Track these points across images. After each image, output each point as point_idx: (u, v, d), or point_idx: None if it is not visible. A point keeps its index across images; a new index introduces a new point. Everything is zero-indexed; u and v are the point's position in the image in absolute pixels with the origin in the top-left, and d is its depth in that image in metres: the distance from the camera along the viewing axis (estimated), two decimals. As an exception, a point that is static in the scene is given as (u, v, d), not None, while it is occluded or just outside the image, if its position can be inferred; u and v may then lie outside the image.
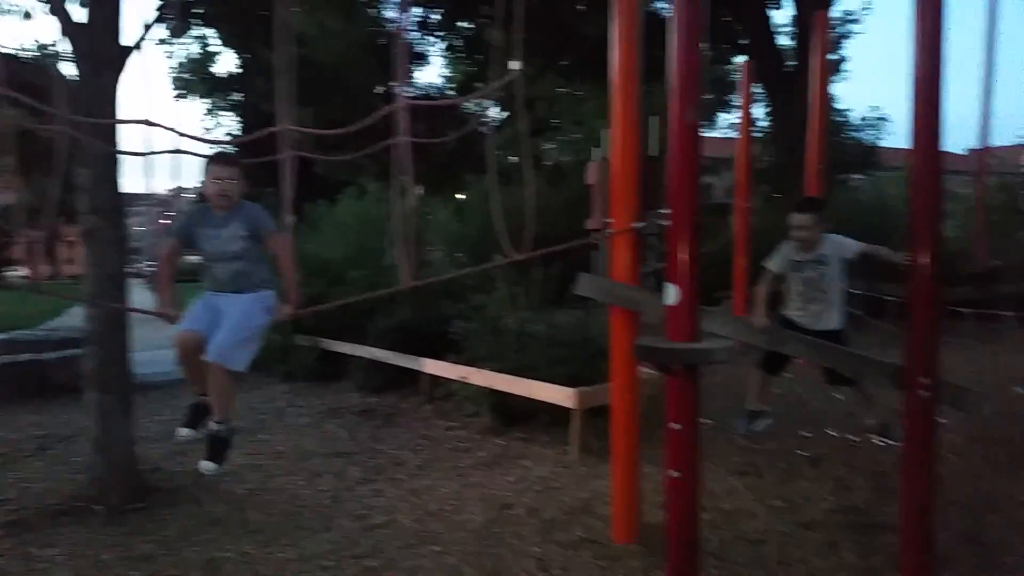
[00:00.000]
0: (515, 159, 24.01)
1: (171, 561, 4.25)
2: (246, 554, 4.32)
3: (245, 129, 22.94)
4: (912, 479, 3.75)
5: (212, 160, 3.57)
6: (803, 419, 6.33)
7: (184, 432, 3.67)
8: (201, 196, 3.67)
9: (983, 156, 6.29)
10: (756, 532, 4.34)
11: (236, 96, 23.45)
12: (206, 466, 3.53)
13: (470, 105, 19.59)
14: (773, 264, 4.49)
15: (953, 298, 8.95)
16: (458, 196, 20.83)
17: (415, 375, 8.04)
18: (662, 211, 3.23)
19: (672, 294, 3.21)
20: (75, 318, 11.87)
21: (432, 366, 7.71)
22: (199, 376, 3.53)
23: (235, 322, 3.45)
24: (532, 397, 6.35)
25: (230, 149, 22.82)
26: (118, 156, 5.07)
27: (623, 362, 4.12)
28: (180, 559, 4.27)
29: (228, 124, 24.37)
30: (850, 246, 4.58)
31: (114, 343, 5.17)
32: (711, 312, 4.04)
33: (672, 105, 3.07)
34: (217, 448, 3.56)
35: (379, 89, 20.85)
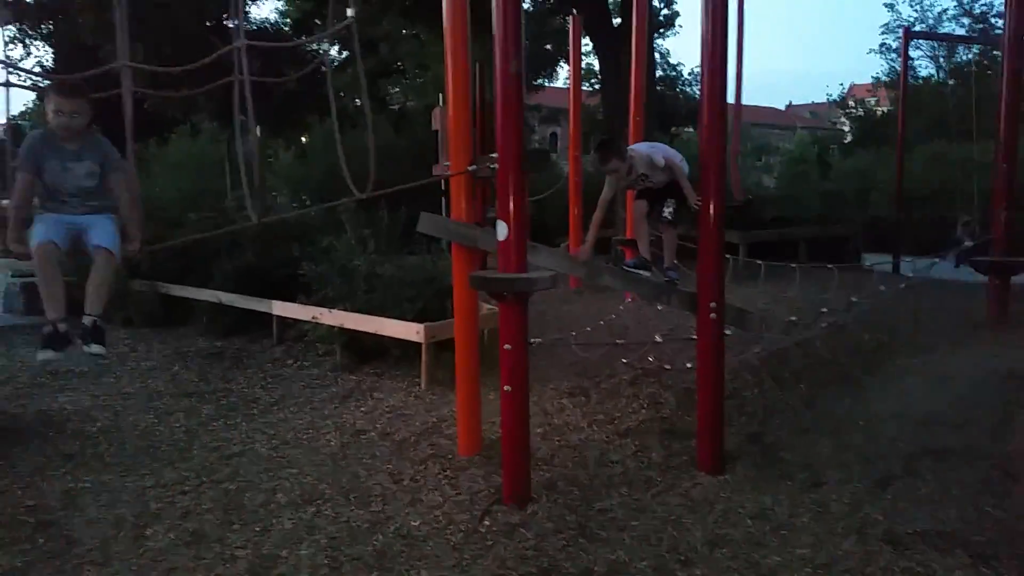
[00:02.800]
0: (358, 101, 23.66)
1: (27, 494, 4.31)
2: (104, 484, 4.46)
3: (59, 60, 21.09)
4: (706, 389, 4.48)
5: (55, 90, 3.34)
6: (626, 347, 7.06)
7: (45, 355, 3.44)
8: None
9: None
10: (580, 441, 4.98)
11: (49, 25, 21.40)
12: (95, 348, 3.42)
13: (313, 45, 18.99)
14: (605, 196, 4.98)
15: (754, 240, 10.02)
16: (303, 139, 20.35)
17: (262, 318, 8.12)
18: (492, 155, 3.64)
19: (502, 230, 3.66)
20: None
21: (281, 308, 7.84)
22: (57, 291, 3.42)
23: (106, 223, 3.46)
24: (383, 334, 6.70)
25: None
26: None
27: (464, 293, 4.55)
28: (36, 491, 4.35)
29: (39, 55, 22.26)
30: (659, 161, 5.20)
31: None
32: (539, 247, 4.53)
33: (496, 55, 3.46)
34: (99, 333, 3.45)
35: (210, 23, 19.78)
